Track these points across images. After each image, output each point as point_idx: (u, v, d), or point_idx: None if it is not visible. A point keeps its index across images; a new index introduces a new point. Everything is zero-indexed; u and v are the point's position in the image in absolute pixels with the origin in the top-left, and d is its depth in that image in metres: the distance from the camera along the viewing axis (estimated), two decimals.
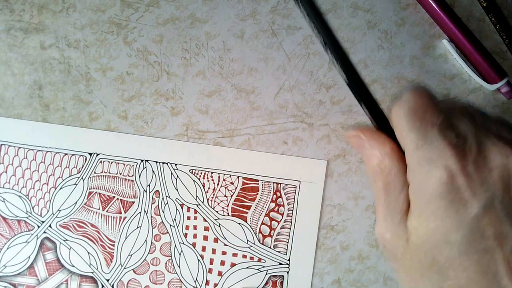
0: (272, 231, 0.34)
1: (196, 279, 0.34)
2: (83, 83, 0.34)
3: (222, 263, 0.34)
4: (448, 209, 0.21)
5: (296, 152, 0.34)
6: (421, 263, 0.22)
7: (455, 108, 0.24)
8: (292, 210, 0.34)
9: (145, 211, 0.34)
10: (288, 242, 0.34)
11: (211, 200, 0.34)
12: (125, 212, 0.34)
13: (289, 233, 0.34)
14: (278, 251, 0.34)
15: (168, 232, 0.34)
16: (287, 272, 0.34)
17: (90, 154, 0.34)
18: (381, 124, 0.29)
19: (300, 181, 0.34)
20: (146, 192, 0.34)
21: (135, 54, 0.34)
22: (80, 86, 0.34)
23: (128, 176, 0.34)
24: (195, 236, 0.34)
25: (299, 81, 0.34)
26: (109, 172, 0.34)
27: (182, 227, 0.34)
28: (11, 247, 0.34)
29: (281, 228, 0.34)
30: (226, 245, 0.34)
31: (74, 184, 0.34)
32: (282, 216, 0.34)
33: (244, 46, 0.34)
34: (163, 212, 0.34)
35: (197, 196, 0.34)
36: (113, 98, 0.34)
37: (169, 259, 0.34)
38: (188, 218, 0.34)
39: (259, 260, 0.34)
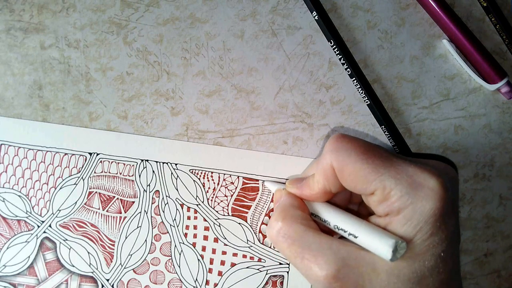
0: None
1: (196, 279, 0.34)
2: (83, 83, 0.34)
3: (222, 263, 0.34)
4: None
5: (296, 152, 0.34)
6: None
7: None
8: None
9: (145, 211, 0.34)
10: None
11: (211, 200, 0.34)
12: (125, 212, 0.34)
13: None
14: (278, 251, 0.34)
15: (168, 232, 0.34)
16: (287, 272, 0.34)
17: (90, 154, 0.34)
18: (399, 142, 0.32)
19: None
20: (146, 192, 0.34)
21: (135, 54, 0.34)
22: (80, 86, 0.34)
23: (128, 176, 0.34)
24: (195, 236, 0.34)
25: (299, 81, 0.34)
26: (109, 172, 0.34)
27: (182, 227, 0.34)
28: (11, 247, 0.34)
29: None
30: (226, 245, 0.34)
31: (74, 184, 0.34)
32: None
33: (244, 46, 0.34)
34: (163, 212, 0.34)
35: (197, 196, 0.34)
36: (113, 98, 0.34)
37: (169, 259, 0.34)
38: (188, 218, 0.34)
39: (259, 260, 0.34)
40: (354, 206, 0.32)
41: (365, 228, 0.26)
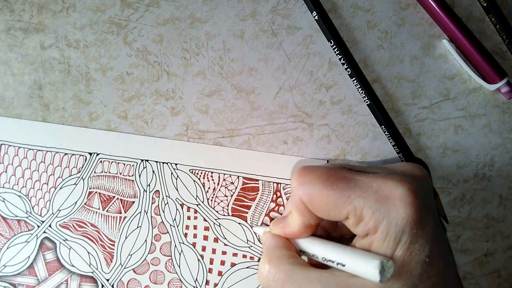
0: None
1: (196, 279, 0.34)
2: (83, 83, 0.34)
3: (222, 263, 0.34)
4: None
5: (296, 152, 0.34)
6: None
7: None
8: None
9: (145, 211, 0.34)
10: None
11: (211, 200, 0.34)
12: (125, 212, 0.34)
13: None
14: None
15: (168, 232, 0.34)
16: None
17: (90, 154, 0.34)
18: (399, 142, 0.32)
19: None
20: (146, 192, 0.34)
21: (135, 54, 0.34)
22: (80, 86, 0.34)
23: (128, 176, 0.34)
24: (195, 236, 0.34)
25: (299, 81, 0.34)
26: (109, 172, 0.34)
27: (182, 227, 0.34)
28: (11, 247, 0.34)
29: None
30: (226, 245, 0.34)
31: (74, 184, 0.34)
32: None
33: (244, 46, 0.34)
34: (163, 212, 0.34)
35: (197, 196, 0.34)
36: (113, 98, 0.34)
37: (169, 259, 0.34)
38: (188, 218, 0.34)
39: (259, 260, 0.34)
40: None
41: (350, 254, 0.26)
